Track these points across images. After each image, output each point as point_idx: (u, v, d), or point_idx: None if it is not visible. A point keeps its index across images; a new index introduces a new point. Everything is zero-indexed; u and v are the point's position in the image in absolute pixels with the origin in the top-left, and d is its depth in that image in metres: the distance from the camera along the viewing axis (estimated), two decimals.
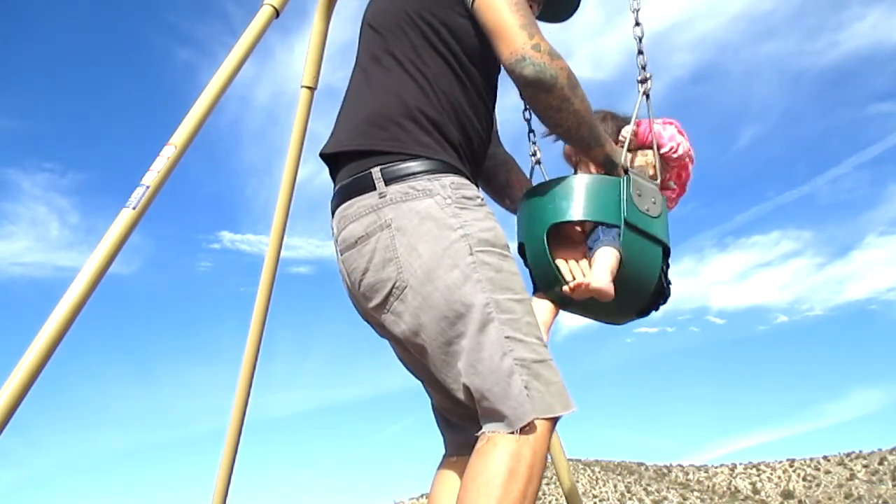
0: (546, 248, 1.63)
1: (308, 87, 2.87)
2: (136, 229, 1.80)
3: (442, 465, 1.67)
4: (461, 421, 1.59)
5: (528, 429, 1.31)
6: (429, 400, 1.71)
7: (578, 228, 1.71)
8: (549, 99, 1.49)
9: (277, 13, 2.34)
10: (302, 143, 2.88)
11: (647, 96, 1.74)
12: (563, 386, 1.39)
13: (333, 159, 1.59)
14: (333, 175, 1.61)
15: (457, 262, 1.38)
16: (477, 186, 1.59)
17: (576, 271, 1.65)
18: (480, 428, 1.38)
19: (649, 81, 1.74)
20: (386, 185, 1.44)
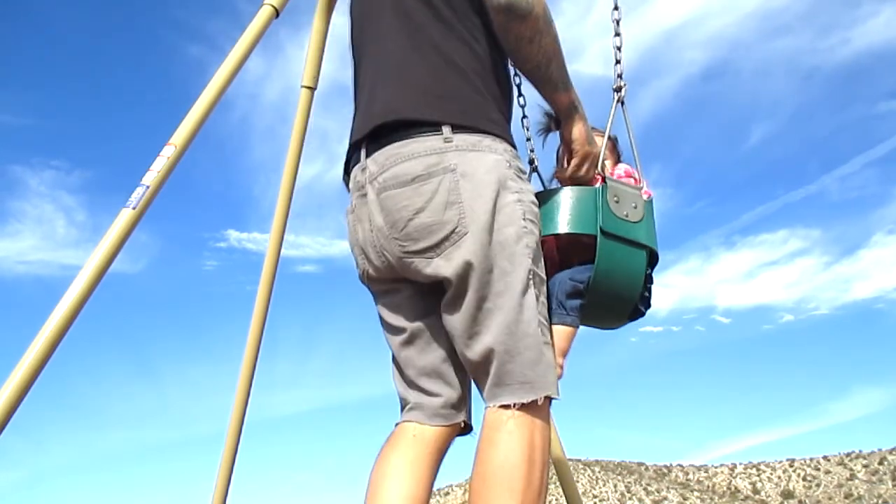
0: None
1: (308, 87, 2.87)
2: (139, 228, 1.81)
3: (393, 442, 1.53)
4: (435, 386, 1.53)
5: (540, 406, 1.35)
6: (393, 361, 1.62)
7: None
8: (522, 28, 1.44)
9: (277, 13, 2.34)
10: (302, 143, 2.88)
11: (623, 104, 1.76)
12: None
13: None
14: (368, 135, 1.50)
15: (513, 220, 1.40)
16: None
17: None
18: (454, 399, 1.49)
19: (624, 90, 1.76)
20: (453, 131, 1.40)
